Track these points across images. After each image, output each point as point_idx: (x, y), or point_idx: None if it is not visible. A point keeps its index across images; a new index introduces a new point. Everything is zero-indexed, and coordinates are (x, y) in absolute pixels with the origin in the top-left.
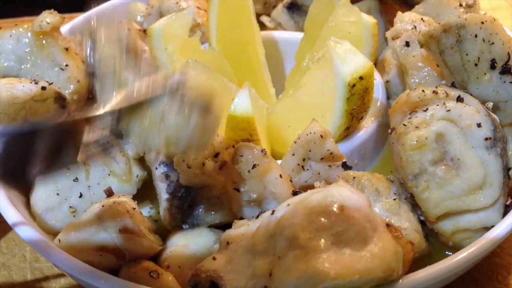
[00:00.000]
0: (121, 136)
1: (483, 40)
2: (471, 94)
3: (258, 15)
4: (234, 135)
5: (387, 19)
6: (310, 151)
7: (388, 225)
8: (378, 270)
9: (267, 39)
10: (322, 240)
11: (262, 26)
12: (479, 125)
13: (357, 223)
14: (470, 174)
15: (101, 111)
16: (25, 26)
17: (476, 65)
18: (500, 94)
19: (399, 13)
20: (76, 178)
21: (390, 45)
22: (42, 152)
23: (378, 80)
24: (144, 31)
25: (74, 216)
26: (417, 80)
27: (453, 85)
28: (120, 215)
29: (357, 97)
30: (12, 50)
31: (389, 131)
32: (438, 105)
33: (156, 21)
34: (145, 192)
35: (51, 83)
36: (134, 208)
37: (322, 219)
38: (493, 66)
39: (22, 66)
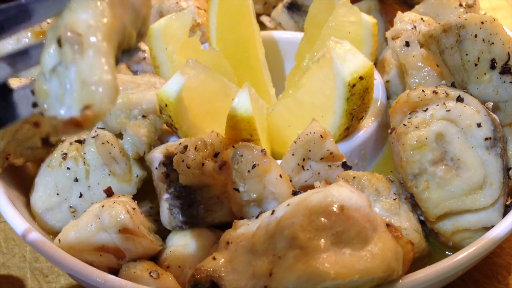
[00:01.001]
0: (121, 136)
1: (483, 40)
2: (471, 94)
3: (258, 15)
4: (234, 135)
5: (387, 19)
6: (310, 151)
7: (388, 225)
8: (378, 270)
9: (267, 39)
10: (322, 240)
11: (262, 26)
12: (479, 125)
13: (357, 223)
14: (470, 174)
15: None
16: None
17: (476, 65)
18: (500, 94)
19: (399, 13)
20: (76, 178)
21: (390, 45)
22: None
23: (378, 80)
24: None
25: (74, 216)
26: (417, 80)
27: (453, 85)
28: (120, 215)
29: (357, 97)
30: (12, 50)
31: (389, 131)
32: (438, 105)
33: (156, 21)
34: (145, 192)
35: None
36: (134, 208)
37: (322, 219)
38: (493, 66)
39: None
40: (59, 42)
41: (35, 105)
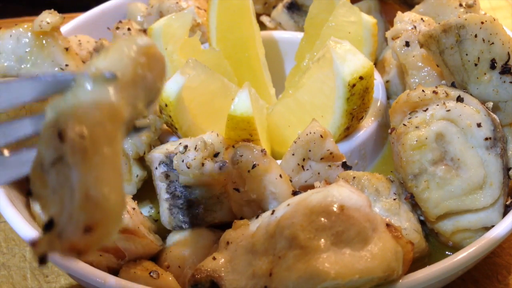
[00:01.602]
0: None
1: (483, 40)
2: (471, 94)
3: (258, 15)
4: (234, 135)
5: (387, 19)
6: (310, 151)
7: (388, 225)
8: (378, 270)
9: (267, 39)
10: (322, 240)
11: (262, 26)
12: (479, 125)
13: (357, 223)
14: (470, 174)
15: None
16: (25, 26)
17: (476, 65)
18: (500, 94)
19: (399, 13)
20: None
21: (390, 45)
22: None
23: (378, 80)
24: (144, 31)
25: None
26: (417, 80)
27: (453, 85)
28: None
29: (357, 97)
30: (12, 50)
31: (389, 131)
32: (438, 105)
33: (156, 21)
34: (145, 192)
35: None
36: (134, 208)
37: (322, 219)
38: (493, 66)
39: (22, 66)
40: (60, 136)
41: (29, 193)
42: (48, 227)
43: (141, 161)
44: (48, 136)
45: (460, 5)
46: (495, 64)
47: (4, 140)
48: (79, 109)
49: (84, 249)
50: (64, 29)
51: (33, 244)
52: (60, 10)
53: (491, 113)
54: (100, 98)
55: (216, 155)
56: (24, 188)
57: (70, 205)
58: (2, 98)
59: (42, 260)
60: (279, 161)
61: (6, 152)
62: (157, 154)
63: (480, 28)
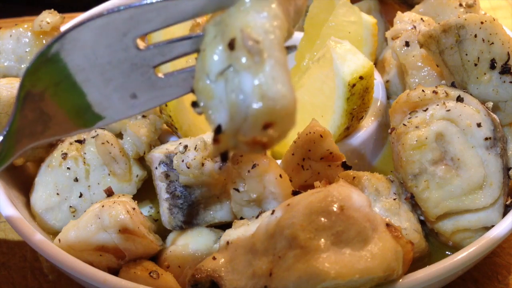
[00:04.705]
0: (121, 136)
1: (483, 40)
2: (471, 94)
3: None
4: None
5: (387, 19)
6: (309, 150)
7: (388, 225)
8: (378, 270)
9: None
10: (322, 240)
11: None
12: (479, 125)
13: (357, 223)
14: (470, 174)
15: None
16: (25, 26)
17: (475, 65)
18: (500, 94)
19: (399, 13)
20: (76, 178)
21: (390, 45)
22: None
23: (378, 80)
24: None
25: (74, 216)
26: (417, 80)
27: (453, 85)
28: (120, 215)
29: (357, 96)
30: (12, 50)
31: (389, 131)
32: (438, 105)
33: None
34: (145, 192)
35: None
36: (134, 208)
37: (322, 219)
38: (492, 66)
39: (22, 66)
40: (230, 45)
41: (194, 104)
42: (217, 133)
43: (141, 161)
44: (215, 48)
45: (460, 5)
46: (495, 64)
47: (161, 59)
48: (249, 19)
49: (268, 143)
50: (64, 29)
51: (215, 140)
52: (60, 10)
53: (491, 113)
54: (266, 8)
55: None
56: (24, 189)
57: (244, 107)
58: (163, 16)
59: (224, 157)
60: (279, 161)
61: (160, 74)
62: (157, 154)
63: (480, 28)
